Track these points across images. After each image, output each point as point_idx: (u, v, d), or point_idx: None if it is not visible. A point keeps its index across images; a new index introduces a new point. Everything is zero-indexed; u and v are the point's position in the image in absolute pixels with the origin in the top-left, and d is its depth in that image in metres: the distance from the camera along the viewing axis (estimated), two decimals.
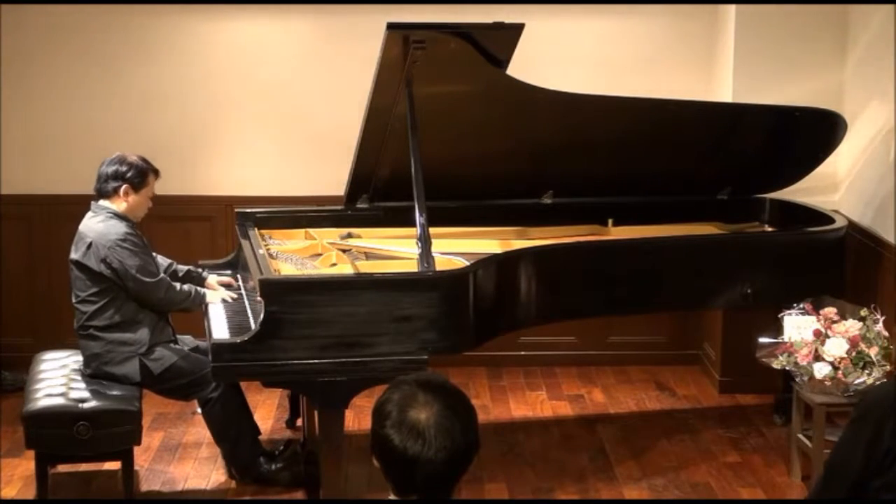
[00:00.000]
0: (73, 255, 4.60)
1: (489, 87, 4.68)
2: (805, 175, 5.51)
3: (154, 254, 4.80)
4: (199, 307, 4.68)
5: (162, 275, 4.64)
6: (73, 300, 4.63)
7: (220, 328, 4.42)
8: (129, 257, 4.51)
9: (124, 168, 4.60)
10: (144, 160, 4.67)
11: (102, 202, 4.64)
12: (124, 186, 4.60)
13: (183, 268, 4.96)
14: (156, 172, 4.71)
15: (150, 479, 4.87)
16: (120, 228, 4.55)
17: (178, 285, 4.66)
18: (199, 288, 4.75)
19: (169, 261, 4.93)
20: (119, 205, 4.61)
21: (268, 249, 4.77)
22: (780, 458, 5.06)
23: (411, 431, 2.15)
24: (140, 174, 4.63)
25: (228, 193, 6.04)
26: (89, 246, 4.53)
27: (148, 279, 4.53)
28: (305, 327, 4.04)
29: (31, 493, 4.64)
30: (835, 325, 4.65)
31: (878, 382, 4.52)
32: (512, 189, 5.34)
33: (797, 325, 4.71)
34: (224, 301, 4.70)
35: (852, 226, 5.39)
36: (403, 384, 2.24)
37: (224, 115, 6.08)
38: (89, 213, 4.64)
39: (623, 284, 4.81)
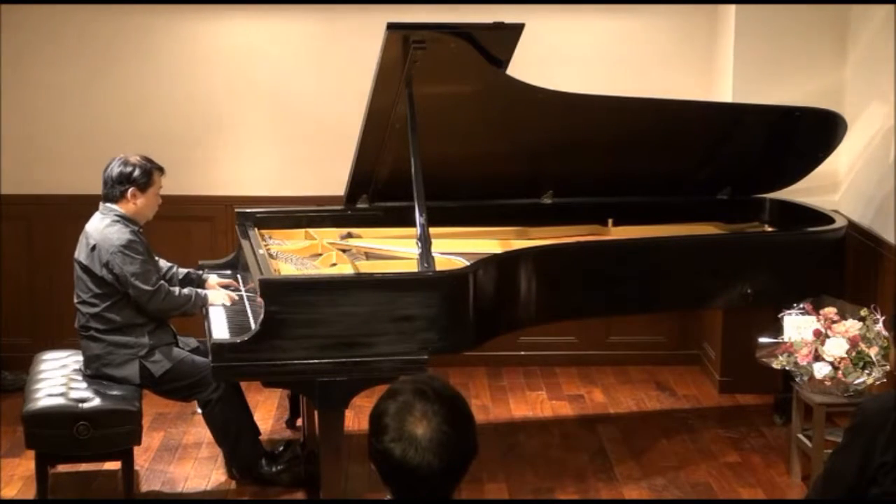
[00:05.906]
0: (78, 255, 4.60)
1: (489, 87, 4.68)
2: (805, 175, 5.51)
3: (156, 257, 4.79)
4: (200, 310, 4.66)
5: (161, 282, 4.61)
6: (75, 300, 4.63)
7: (220, 328, 4.42)
8: (129, 264, 4.49)
9: (129, 170, 4.58)
10: (147, 159, 4.65)
11: (110, 205, 4.62)
12: (131, 189, 4.58)
13: (183, 271, 4.95)
14: (160, 170, 4.68)
15: (150, 479, 4.87)
16: (124, 234, 4.53)
17: (177, 290, 4.64)
18: (199, 290, 4.73)
19: (169, 264, 4.92)
20: (127, 208, 4.60)
21: (268, 249, 4.77)
22: (780, 458, 5.05)
23: (410, 445, 2.15)
24: (145, 174, 4.60)
25: (228, 193, 6.04)
26: (93, 248, 4.53)
27: (146, 287, 4.51)
28: (305, 327, 4.04)
29: (31, 493, 4.64)
30: (835, 325, 4.65)
31: (877, 383, 4.53)
32: (512, 189, 5.34)
33: (797, 325, 4.71)
34: (224, 303, 4.69)
35: (852, 226, 5.38)
36: (399, 394, 2.21)
37: (224, 115, 6.07)
38: (97, 214, 4.62)
39: (623, 284, 4.81)
